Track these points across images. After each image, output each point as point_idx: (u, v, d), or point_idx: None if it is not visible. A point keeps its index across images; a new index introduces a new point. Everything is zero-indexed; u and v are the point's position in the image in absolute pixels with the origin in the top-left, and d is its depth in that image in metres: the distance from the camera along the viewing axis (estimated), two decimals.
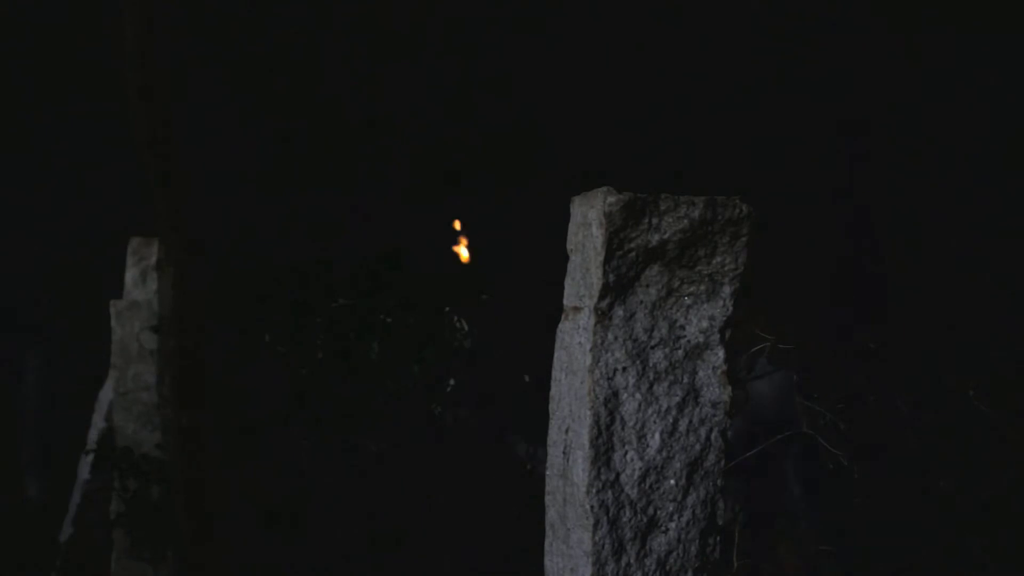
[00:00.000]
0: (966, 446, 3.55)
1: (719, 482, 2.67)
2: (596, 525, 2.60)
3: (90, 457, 4.85)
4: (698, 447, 2.68)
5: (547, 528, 2.75)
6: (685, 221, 2.62)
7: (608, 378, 2.64)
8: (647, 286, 2.67)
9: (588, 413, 2.62)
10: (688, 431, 2.67)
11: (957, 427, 3.57)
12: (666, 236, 2.62)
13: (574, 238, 2.69)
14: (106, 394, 4.89)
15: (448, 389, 3.79)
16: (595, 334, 2.64)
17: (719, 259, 2.68)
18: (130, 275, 4.69)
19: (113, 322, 4.59)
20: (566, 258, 2.73)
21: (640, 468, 2.63)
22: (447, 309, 3.79)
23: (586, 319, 2.65)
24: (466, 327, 3.81)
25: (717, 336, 2.71)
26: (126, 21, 3.93)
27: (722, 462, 2.68)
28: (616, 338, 2.65)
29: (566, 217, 2.71)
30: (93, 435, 4.93)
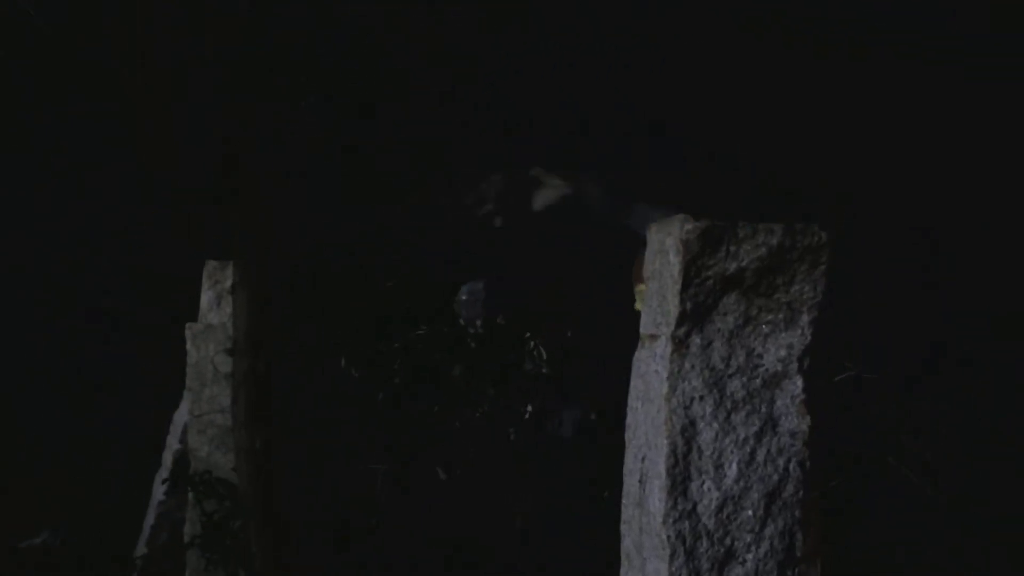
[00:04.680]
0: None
1: (798, 513, 2.64)
2: (672, 555, 2.58)
3: (165, 478, 4.89)
4: (776, 477, 2.64)
5: (622, 557, 2.74)
6: (763, 249, 2.60)
7: (685, 407, 2.62)
8: (724, 314, 2.65)
9: (665, 442, 2.60)
10: (766, 461, 2.64)
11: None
12: (743, 264, 2.60)
13: (651, 266, 2.68)
14: (181, 416, 4.93)
15: (526, 416, 3.79)
16: (672, 362, 2.62)
17: (797, 287, 2.65)
18: (205, 298, 4.73)
19: (189, 345, 4.64)
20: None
21: (717, 498, 2.61)
22: (527, 335, 3.80)
23: (663, 347, 2.63)
24: (545, 355, 3.81)
25: (795, 365, 2.68)
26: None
27: (801, 493, 2.65)
28: (693, 366, 2.63)
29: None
30: (168, 457, 4.97)
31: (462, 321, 4.08)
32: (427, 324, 3.87)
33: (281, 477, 4.11)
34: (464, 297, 4.18)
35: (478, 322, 4.06)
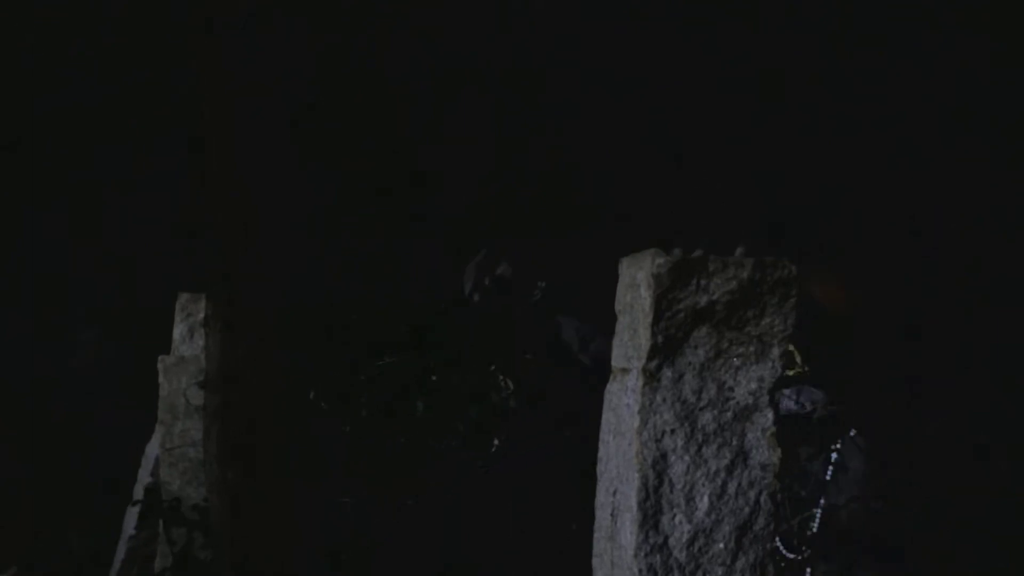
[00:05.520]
0: None
1: (769, 546, 2.65)
2: None
3: (136, 510, 4.86)
4: (747, 510, 2.65)
5: None
6: (734, 282, 2.62)
7: (656, 440, 2.62)
8: (696, 347, 2.66)
9: (636, 475, 2.60)
10: (737, 494, 2.65)
11: None
12: (715, 297, 2.62)
13: (623, 299, 2.69)
14: (153, 449, 4.91)
15: (493, 449, 3.79)
16: (643, 395, 2.63)
17: (768, 320, 2.67)
18: (178, 331, 4.72)
19: (161, 378, 4.62)
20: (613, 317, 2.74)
21: (689, 531, 2.61)
22: (492, 368, 3.80)
23: (634, 380, 2.64)
24: (511, 386, 3.81)
25: (766, 398, 2.69)
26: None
27: (772, 525, 2.66)
28: (664, 400, 2.64)
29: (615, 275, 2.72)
30: (139, 490, 4.94)
31: (585, 360, 4.05)
32: (392, 356, 3.87)
33: (255, 510, 4.09)
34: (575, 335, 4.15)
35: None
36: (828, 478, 3.40)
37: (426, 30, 5.79)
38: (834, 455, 3.42)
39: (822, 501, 3.41)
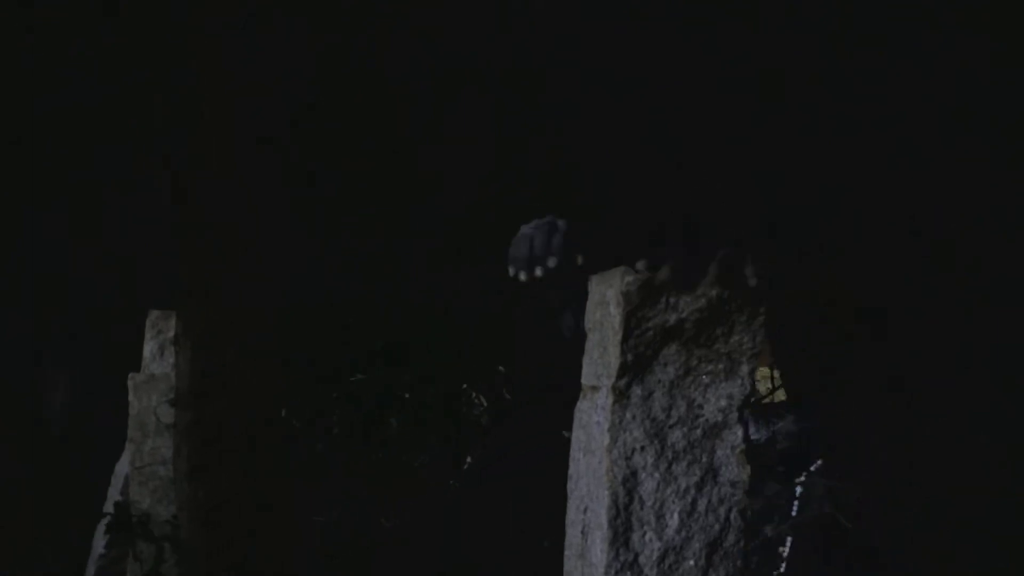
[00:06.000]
0: None
1: (739, 563, 2.66)
2: None
3: (106, 529, 4.83)
4: (717, 527, 2.66)
5: None
6: (703, 300, 2.63)
7: (626, 457, 2.63)
8: (665, 365, 2.67)
9: (606, 493, 2.61)
10: (707, 511, 2.66)
11: None
12: (684, 315, 2.63)
13: (592, 317, 2.70)
14: (123, 467, 4.89)
15: (465, 466, 3.79)
16: (613, 413, 2.63)
17: (736, 338, 2.68)
18: (148, 348, 4.71)
19: (131, 396, 4.61)
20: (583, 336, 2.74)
21: (659, 549, 2.62)
22: (464, 385, 3.80)
23: (604, 398, 2.65)
24: (484, 403, 3.81)
25: (735, 415, 2.70)
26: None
27: (742, 542, 2.67)
28: (634, 417, 2.65)
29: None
30: (109, 508, 4.91)
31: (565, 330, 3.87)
32: (363, 372, 3.86)
33: (226, 528, 4.07)
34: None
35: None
36: (794, 514, 3.37)
37: (426, 30, 5.76)
38: (798, 489, 3.39)
39: (789, 540, 3.40)
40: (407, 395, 3.73)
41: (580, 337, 3.09)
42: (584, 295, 2.62)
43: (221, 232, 4.13)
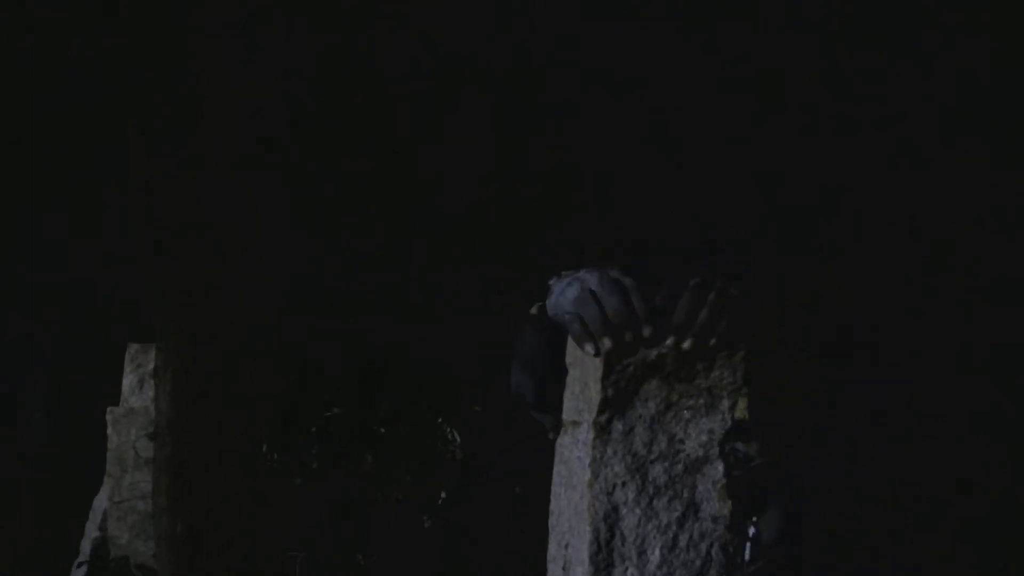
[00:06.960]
0: None
1: None
2: None
3: (83, 569, 4.80)
4: (699, 563, 2.66)
5: None
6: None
7: (608, 493, 2.63)
8: (646, 400, 2.67)
9: (587, 528, 2.61)
10: (688, 546, 2.66)
11: None
12: (664, 350, 2.63)
13: (573, 352, 2.70)
14: (101, 502, 4.86)
15: (439, 502, 3.77)
16: (594, 448, 2.63)
17: (717, 372, 2.69)
18: (127, 382, 4.69)
19: (109, 430, 4.59)
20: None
21: None
22: (439, 420, 3.79)
23: (585, 434, 2.65)
24: (459, 438, 3.80)
25: (716, 449, 2.70)
26: None
27: None
28: (615, 452, 2.65)
29: None
30: (86, 545, 4.88)
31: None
32: (340, 407, 3.85)
33: (204, 564, 4.05)
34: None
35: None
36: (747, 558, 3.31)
37: (426, 30, 5.76)
38: (752, 530, 3.34)
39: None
40: (383, 430, 3.72)
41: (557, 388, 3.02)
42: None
43: (214, 239, 4.12)
